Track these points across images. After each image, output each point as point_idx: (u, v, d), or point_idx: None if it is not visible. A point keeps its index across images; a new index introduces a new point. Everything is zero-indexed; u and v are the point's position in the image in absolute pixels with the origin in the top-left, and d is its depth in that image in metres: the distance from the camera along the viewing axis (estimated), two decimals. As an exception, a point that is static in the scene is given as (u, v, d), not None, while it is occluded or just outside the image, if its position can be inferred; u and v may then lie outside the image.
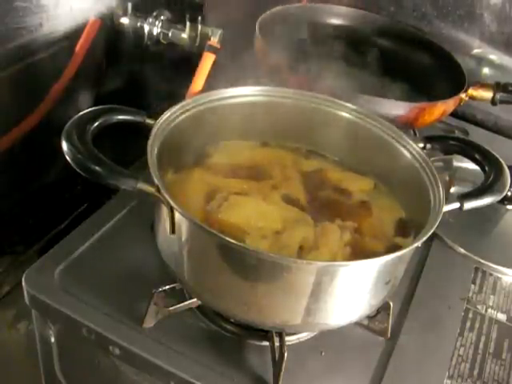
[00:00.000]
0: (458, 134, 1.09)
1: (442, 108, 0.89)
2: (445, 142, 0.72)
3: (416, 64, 1.07)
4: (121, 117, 0.63)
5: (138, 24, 0.99)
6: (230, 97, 0.72)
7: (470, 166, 0.71)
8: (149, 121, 0.63)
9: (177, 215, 0.56)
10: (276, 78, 0.85)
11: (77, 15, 0.92)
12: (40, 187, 1.00)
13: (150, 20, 0.99)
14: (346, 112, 0.74)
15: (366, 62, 1.04)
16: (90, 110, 0.61)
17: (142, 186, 0.55)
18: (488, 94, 0.95)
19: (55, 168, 0.97)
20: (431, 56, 1.06)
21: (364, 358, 0.67)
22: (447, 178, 0.87)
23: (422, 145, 0.70)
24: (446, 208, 0.61)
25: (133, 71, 1.06)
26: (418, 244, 0.56)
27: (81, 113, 0.60)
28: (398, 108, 0.86)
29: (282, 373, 0.60)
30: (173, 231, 0.57)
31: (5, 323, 0.94)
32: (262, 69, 0.90)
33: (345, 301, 0.58)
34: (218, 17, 1.01)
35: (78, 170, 0.55)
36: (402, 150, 0.70)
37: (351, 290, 0.57)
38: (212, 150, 0.75)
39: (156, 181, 0.55)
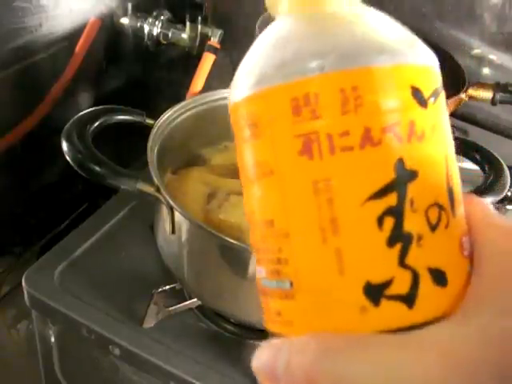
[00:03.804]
0: (457, 134, 1.09)
1: (441, 108, 0.89)
2: (445, 142, 0.72)
3: (416, 64, 1.06)
4: (121, 117, 0.63)
5: (138, 24, 0.99)
6: (230, 97, 0.72)
7: (470, 166, 0.70)
8: (149, 121, 0.64)
9: (177, 215, 0.56)
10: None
11: (77, 15, 0.92)
12: (40, 187, 0.99)
13: (150, 20, 0.98)
14: (345, 112, 0.74)
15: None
16: (89, 110, 0.61)
17: (142, 186, 0.55)
18: (488, 94, 0.94)
19: (55, 168, 0.97)
20: (431, 56, 1.06)
21: (364, 357, 0.67)
22: (447, 178, 0.86)
23: (422, 145, 0.69)
24: (446, 208, 0.60)
25: (133, 71, 1.06)
26: (418, 244, 0.56)
27: (81, 113, 0.60)
28: (398, 108, 0.86)
29: (281, 373, 0.60)
30: (173, 231, 0.57)
31: (5, 323, 0.94)
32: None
33: (345, 301, 0.58)
34: (218, 17, 1.01)
35: (77, 170, 0.55)
36: (402, 150, 0.70)
37: (351, 290, 0.57)
38: (212, 150, 0.74)
39: (156, 181, 0.55)
